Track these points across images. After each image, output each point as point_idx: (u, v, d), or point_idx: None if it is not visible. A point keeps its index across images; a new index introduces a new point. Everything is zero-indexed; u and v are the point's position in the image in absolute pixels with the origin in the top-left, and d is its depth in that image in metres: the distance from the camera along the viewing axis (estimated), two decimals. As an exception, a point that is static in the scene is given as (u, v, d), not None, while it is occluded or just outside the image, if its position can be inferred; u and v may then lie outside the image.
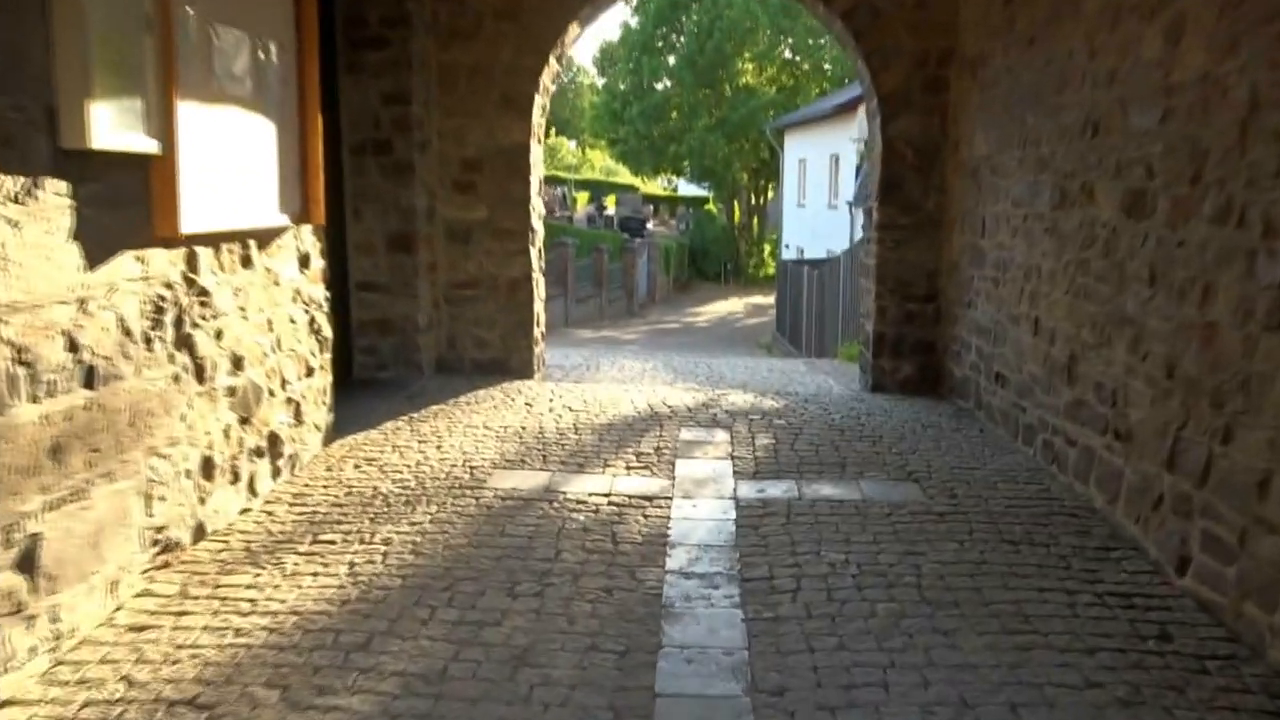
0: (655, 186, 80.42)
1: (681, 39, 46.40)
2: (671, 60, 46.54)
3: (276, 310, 4.41)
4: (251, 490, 4.19)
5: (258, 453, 4.23)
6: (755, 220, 50.44)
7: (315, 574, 3.50)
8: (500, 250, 7.01)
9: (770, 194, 49.94)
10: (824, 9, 6.76)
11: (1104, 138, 4.24)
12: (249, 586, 3.39)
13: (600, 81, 61.69)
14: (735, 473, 4.73)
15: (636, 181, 76.80)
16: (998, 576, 3.52)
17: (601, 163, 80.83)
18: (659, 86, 47.27)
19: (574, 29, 6.95)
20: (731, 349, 24.80)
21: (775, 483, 4.58)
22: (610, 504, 4.26)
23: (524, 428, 5.46)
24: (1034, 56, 5.16)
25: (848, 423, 5.74)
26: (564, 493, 4.39)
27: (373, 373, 6.72)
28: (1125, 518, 3.95)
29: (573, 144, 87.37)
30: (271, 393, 4.35)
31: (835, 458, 4.98)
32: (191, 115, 3.53)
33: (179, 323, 3.56)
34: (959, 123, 6.51)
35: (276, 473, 4.44)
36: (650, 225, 58.63)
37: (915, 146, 6.74)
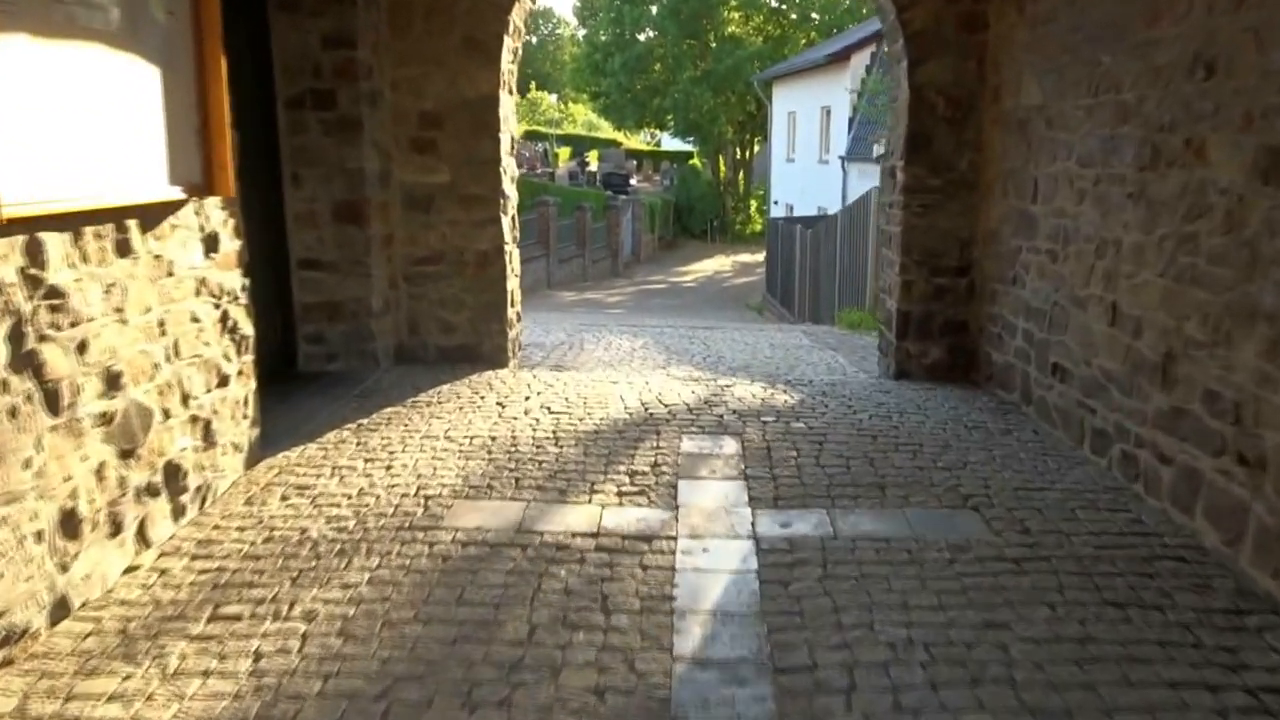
0: (638, 141, 78.97)
1: (663, -13, 44.80)
2: (654, 10, 44.99)
3: (172, 308, 3.48)
4: (142, 540, 3.29)
5: (149, 491, 3.32)
6: (741, 176, 49.28)
7: (206, 673, 2.60)
8: (466, 219, 6.06)
9: (757, 148, 48.74)
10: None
11: (1224, 80, 3.32)
12: (113, 698, 2.49)
13: (581, 33, 59.93)
14: (752, 499, 3.85)
15: (620, 136, 75.35)
16: (1113, 664, 2.66)
17: (584, 117, 79.22)
18: (641, 37, 45.76)
19: (549, -41, 5.94)
20: (721, 311, 23.93)
21: (802, 514, 3.70)
22: (598, 548, 3.38)
23: (493, 438, 4.55)
24: (1111, -19, 4.21)
25: (878, 424, 4.86)
26: (540, 533, 3.50)
27: (321, 365, 5.79)
28: (1255, 568, 3.10)
29: (554, 98, 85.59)
30: (167, 413, 3.42)
31: (871, 475, 4.10)
32: (17, 53, 2.56)
33: (17, 337, 2.64)
34: (1000, 67, 5.57)
35: (179, 513, 3.53)
36: (634, 181, 57.39)
37: (947, 95, 5.80)
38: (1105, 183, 4.22)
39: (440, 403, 5.15)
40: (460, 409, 5.04)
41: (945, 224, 5.92)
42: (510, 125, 6.29)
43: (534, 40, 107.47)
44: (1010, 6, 5.43)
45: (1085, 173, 4.43)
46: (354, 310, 5.74)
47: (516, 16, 6.01)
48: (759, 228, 43.89)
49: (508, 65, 6.05)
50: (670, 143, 67.67)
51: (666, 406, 5.15)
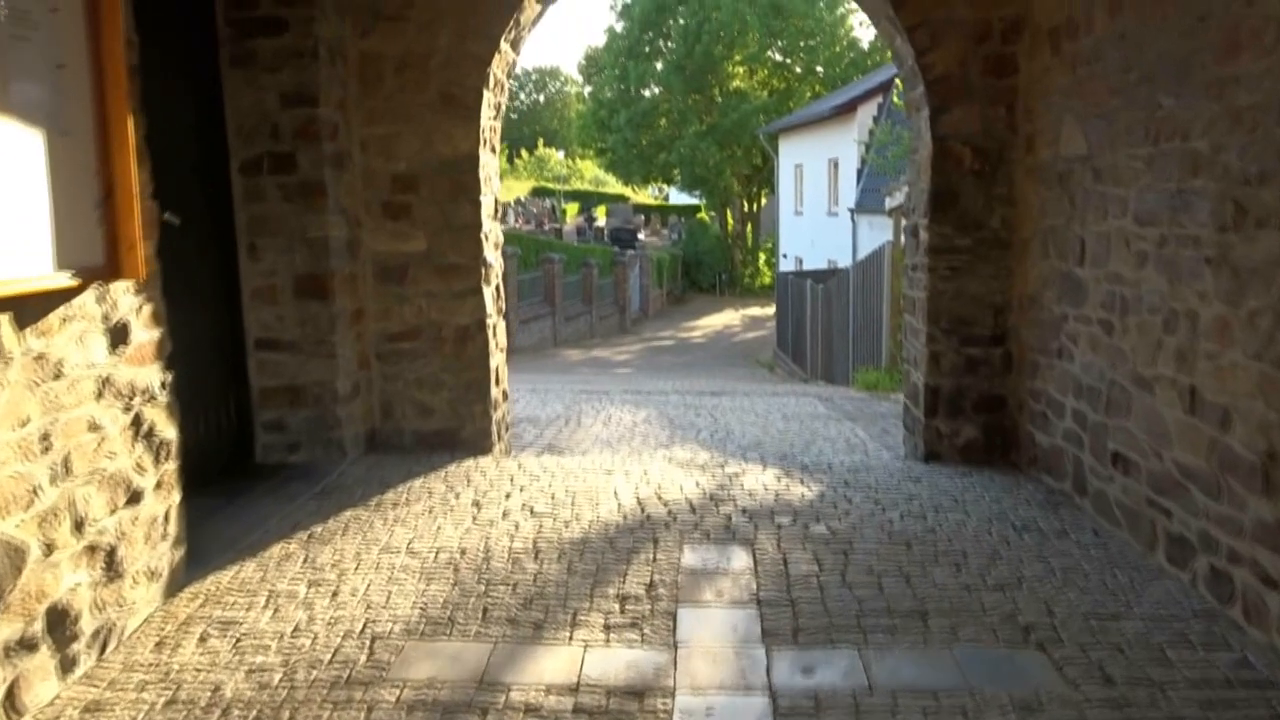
0: (646, 196, 79.28)
1: (669, 43, 44.97)
2: (659, 66, 45.10)
3: (62, 417, 2.87)
4: (12, 708, 2.65)
5: (23, 646, 2.68)
6: (749, 229, 49.01)
7: None
8: (445, 291, 5.48)
9: (764, 201, 48.54)
10: (853, -29, 5.25)
11: (1334, 123, 2.73)
12: None
13: (587, 90, 60.27)
14: (766, 633, 3.18)
15: (627, 191, 75.62)
16: None
17: (592, 173, 79.63)
18: (646, 93, 45.80)
19: (532, 5, 5.43)
20: (731, 368, 23.33)
21: (828, 654, 3.03)
22: (576, 709, 2.72)
23: (463, 550, 3.90)
24: (1170, 12, 3.64)
25: (912, 527, 4.19)
26: (506, 687, 2.84)
27: (281, 455, 5.17)
28: None
29: (561, 154, 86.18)
30: (50, 547, 2.80)
31: (909, 599, 3.43)
32: None
33: None
34: (1034, 114, 5.00)
35: (68, 666, 2.89)
36: (642, 235, 57.26)
37: (975, 146, 5.23)
38: (1173, 245, 3.60)
39: (408, 503, 4.51)
40: (430, 511, 4.40)
41: (976, 288, 5.31)
42: (493, 187, 5.74)
43: (541, 98, 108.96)
44: (1044, 46, 4.87)
45: (1146, 232, 3.82)
46: (317, 395, 5.13)
47: (497, 69, 5.49)
48: (768, 280, 43.48)
49: (488, 122, 5.52)
50: (678, 197, 67.75)
51: (667, 505, 4.50)
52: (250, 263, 5.05)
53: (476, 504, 4.50)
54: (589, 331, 30.95)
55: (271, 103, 4.93)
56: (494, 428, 5.62)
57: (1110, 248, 4.15)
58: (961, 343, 5.35)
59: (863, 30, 45.23)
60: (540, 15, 5.71)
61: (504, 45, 5.39)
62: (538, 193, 75.65)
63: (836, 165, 27.84)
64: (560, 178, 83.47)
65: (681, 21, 43.70)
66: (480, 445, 5.54)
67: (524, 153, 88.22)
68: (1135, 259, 3.91)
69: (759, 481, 4.94)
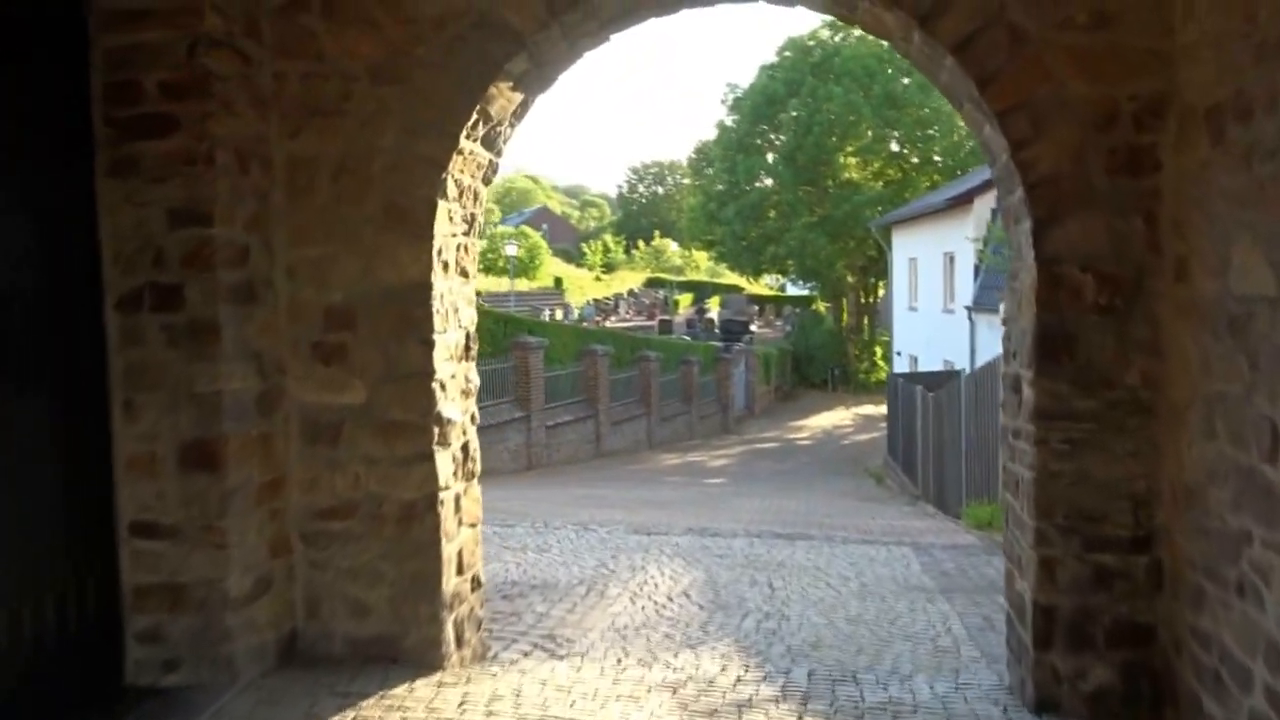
0: (762, 286, 78.30)
1: (779, 136, 44.20)
2: (769, 158, 44.31)
3: None
4: None
5: None
6: (866, 321, 47.13)
7: None
8: (387, 456, 4.23)
9: (881, 292, 46.70)
10: (922, 37, 3.90)
11: None
12: None
13: (696, 183, 60.05)
14: None
15: (742, 281, 74.77)
16: None
17: (707, 264, 79.36)
18: (756, 185, 44.95)
19: (506, 94, 4.26)
20: (837, 478, 21.50)
21: None
22: None
23: None
24: None
25: None
26: None
27: (155, 675, 3.94)
28: None
29: (675, 246, 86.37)
30: None
31: None
32: None
33: None
34: (1187, 227, 3.49)
35: None
36: (755, 327, 56.06)
37: (1099, 272, 3.73)
38: None
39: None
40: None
41: (1106, 470, 3.74)
42: (462, 319, 4.53)
43: (660, 190, 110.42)
44: (1200, 134, 3.39)
45: (1402, 440, 2.26)
46: (203, 597, 3.91)
47: (463, 173, 4.32)
48: (884, 376, 41.41)
49: (449, 239, 4.33)
50: (796, 287, 66.46)
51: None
52: (125, 424, 3.91)
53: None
54: (688, 432, 29.58)
55: (157, 222, 3.84)
56: (447, 633, 4.27)
57: (1327, 447, 2.58)
58: (1086, 546, 3.76)
59: (983, 118, 43.53)
60: (524, 106, 4.53)
61: (467, 144, 4.22)
62: (652, 283, 75.69)
63: (952, 260, 26.02)
64: (675, 268, 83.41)
65: (793, 114, 42.96)
66: (427, 658, 4.19)
67: (641, 244, 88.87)
68: (1380, 479, 2.34)
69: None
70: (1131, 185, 3.69)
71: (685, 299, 69.16)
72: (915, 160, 43.79)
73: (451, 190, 4.26)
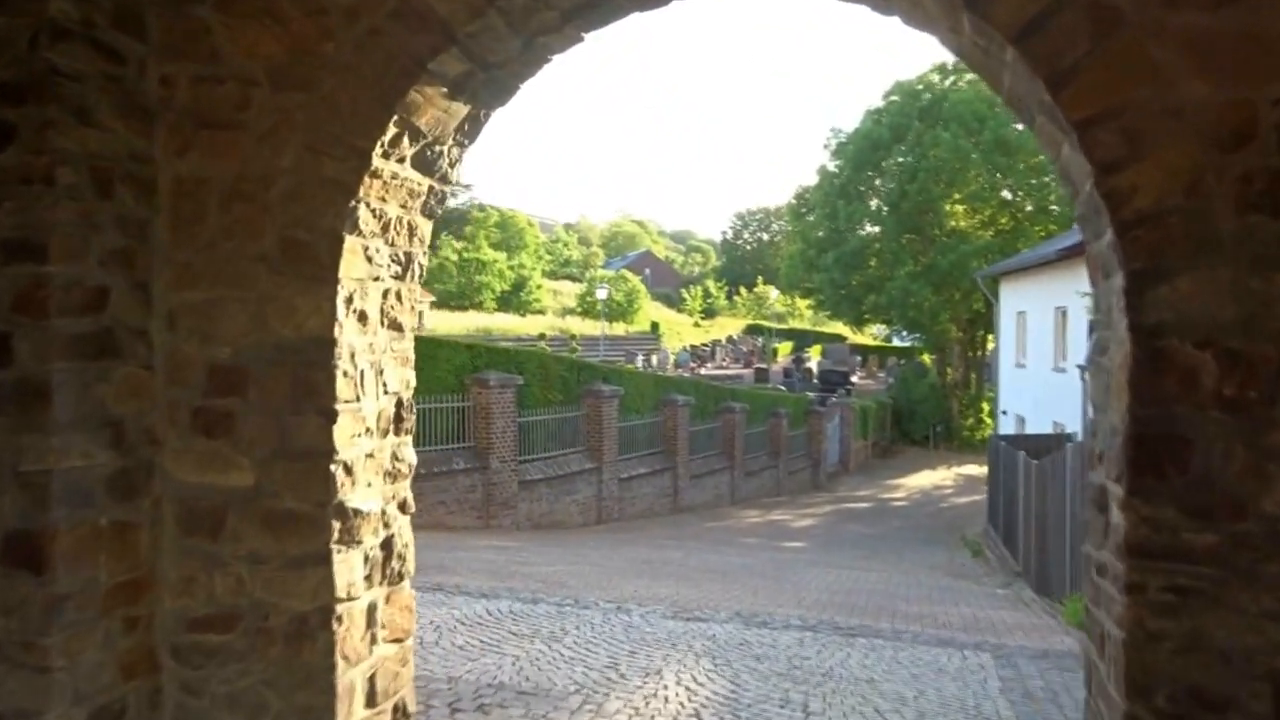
0: (868, 336, 76.18)
1: (884, 182, 42.75)
2: (873, 204, 42.87)
3: None
4: None
5: None
6: (973, 376, 44.87)
7: None
8: (276, 554, 3.35)
9: (990, 346, 44.46)
10: (973, 23, 2.86)
11: None
12: None
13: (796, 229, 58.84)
14: None
15: (845, 331, 72.90)
16: None
17: (809, 312, 77.79)
18: (858, 232, 43.49)
19: (439, 102, 3.39)
20: (927, 549, 19.86)
21: None
22: None
23: None
24: None
25: None
26: None
27: (-41, 830, 3.12)
28: None
29: (777, 293, 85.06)
30: None
31: None
32: None
33: None
34: (1361, 290, 2.34)
35: None
36: (855, 378, 54.16)
37: (1223, 349, 2.60)
38: None
39: None
40: None
41: (1231, 636, 2.58)
42: (389, 382, 3.64)
43: (765, 236, 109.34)
44: (1384, 151, 2.25)
45: None
46: (18, 733, 3.08)
47: (386, 202, 3.45)
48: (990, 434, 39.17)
49: (364, 283, 3.46)
50: (901, 338, 64.33)
51: None
52: (-60, 507, 3.13)
53: None
54: (775, 487, 28.22)
55: (-14, 256, 3.09)
56: (344, 787, 3.34)
57: None
58: (1201, 745, 2.60)
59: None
60: (474, 121, 3.66)
61: (386, 164, 3.36)
62: (751, 330, 74.46)
63: (1065, 315, 24.16)
64: (777, 315, 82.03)
65: (899, 160, 41.51)
66: (314, 821, 3.26)
67: (742, 290, 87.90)
68: None
69: None
70: (1273, 228, 2.57)
71: (784, 347, 67.67)
72: (1029, 209, 41.70)
73: (368, 223, 3.40)
